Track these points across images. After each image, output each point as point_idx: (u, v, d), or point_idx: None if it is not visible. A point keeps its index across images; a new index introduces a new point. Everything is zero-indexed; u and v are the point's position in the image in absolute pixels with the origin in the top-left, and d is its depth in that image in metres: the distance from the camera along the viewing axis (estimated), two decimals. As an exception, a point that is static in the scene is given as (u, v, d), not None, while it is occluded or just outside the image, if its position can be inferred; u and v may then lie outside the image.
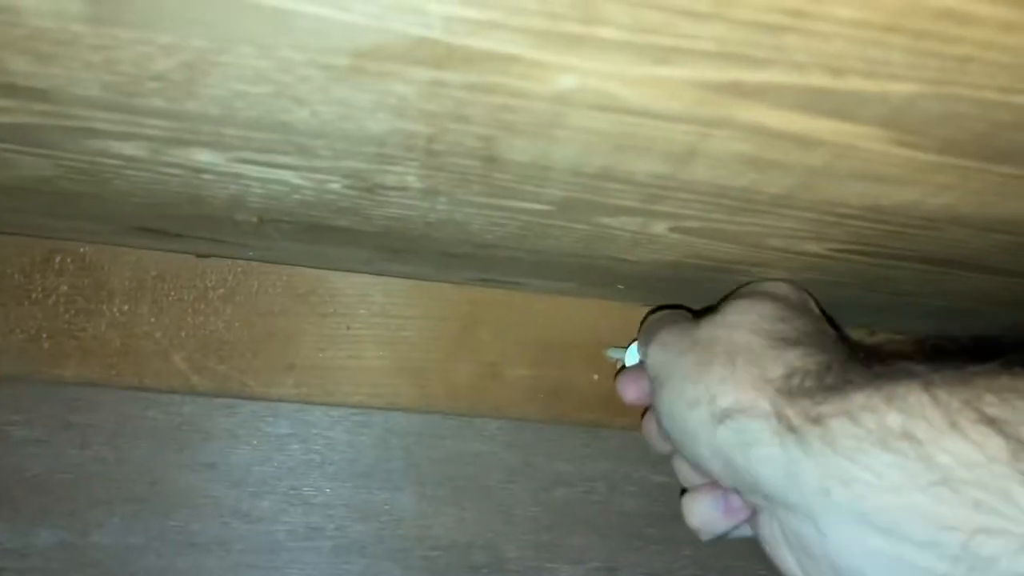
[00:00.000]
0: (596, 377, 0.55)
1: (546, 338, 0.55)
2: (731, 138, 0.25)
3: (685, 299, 0.52)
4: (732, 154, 0.26)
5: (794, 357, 0.35)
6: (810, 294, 0.43)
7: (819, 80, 0.21)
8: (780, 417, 0.32)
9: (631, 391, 0.44)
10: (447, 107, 0.24)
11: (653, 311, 0.49)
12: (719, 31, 0.19)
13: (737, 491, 0.36)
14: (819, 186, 0.29)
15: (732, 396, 0.34)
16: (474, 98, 0.24)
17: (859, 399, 0.30)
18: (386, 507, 0.53)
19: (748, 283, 0.44)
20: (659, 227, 0.35)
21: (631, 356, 0.52)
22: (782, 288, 0.41)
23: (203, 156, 0.30)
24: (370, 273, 0.54)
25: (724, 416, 0.34)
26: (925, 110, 0.22)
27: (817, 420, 0.31)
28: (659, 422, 0.39)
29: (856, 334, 0.58)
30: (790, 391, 0.33)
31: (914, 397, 0.29)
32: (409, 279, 0.54)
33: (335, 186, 0.32)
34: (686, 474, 0.41)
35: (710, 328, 0.38)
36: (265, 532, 0.52)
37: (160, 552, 0.50)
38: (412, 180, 0.31)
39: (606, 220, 0.34)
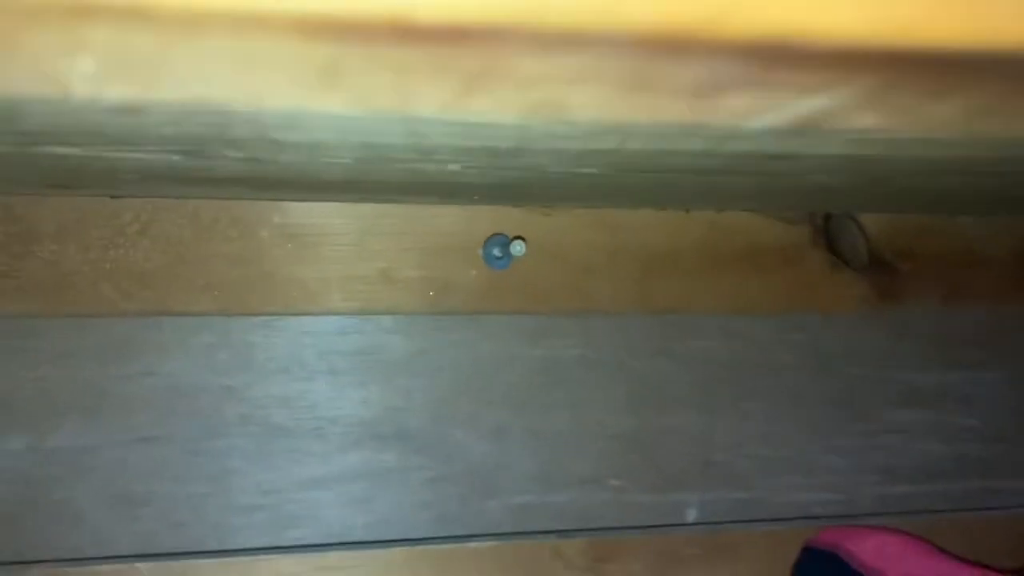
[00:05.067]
0: (474, 273, 0.64)
1: (429, 244, 0.63)
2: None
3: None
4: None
5: None
6: None
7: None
8: None
9: None
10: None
11: None
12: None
13: None
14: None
15: None
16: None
17: None
18: (304, 395, 0.63)
19: None
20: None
21: (517, 248, 0.60)
22: None
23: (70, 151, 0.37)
24: (269, 199, 0.61)
25: None
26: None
27: None
28: None
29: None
30: None
31: None
32: (304, 202, 0.62)
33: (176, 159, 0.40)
34: None
35: None
36: (203, 424, 0.62)
37: (113, 449, 0.60)
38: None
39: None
